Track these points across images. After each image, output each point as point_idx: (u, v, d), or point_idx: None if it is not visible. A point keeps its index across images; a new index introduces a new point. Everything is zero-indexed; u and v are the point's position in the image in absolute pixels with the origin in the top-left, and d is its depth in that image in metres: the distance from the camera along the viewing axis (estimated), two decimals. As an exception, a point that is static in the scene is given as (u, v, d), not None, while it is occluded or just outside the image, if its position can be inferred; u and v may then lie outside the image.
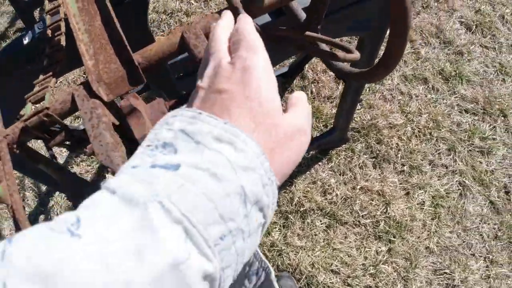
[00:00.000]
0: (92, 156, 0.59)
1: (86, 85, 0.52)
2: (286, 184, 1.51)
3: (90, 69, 0.49)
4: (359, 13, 0.93)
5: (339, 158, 1.55)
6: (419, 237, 1.45)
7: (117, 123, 0.49)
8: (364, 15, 0.95)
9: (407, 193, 1.51)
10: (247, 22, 0.35)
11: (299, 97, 0.36)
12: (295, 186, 1.51)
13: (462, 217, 1.49)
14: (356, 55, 0.55)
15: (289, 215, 1.48)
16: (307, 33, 0.59)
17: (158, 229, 0.23)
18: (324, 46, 0.62)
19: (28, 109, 0.55)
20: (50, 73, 0.65)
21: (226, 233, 0.25)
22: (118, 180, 0.26)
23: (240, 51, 0.32)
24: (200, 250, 0.24)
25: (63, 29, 0.60)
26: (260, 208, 0.28)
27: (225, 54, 0.33)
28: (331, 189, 1.51)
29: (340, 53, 0.55)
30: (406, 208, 1.48)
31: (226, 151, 0.27)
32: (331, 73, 1.70)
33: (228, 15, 0.39)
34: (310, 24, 0.59)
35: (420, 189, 1.52)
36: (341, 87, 1.66)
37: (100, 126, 0.46)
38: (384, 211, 1.48)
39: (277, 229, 1.47)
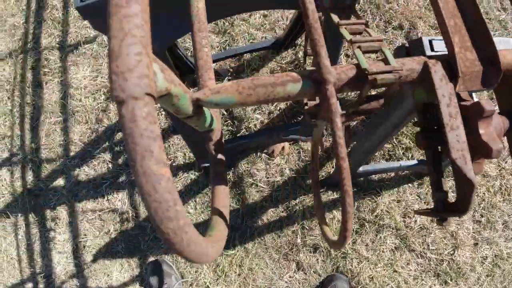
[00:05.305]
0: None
1: (446, 63, 0.46)
2: (373, 193, 1.47)
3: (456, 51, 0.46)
4: None
5: (430, 188, 1.51)
6: (470, 288, 1.48)
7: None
8: None
9: (476, 244, 1.52)
10: None
11: None
12: (381, 198, 1.46)
13: (511, 283, 1.53)
14: None
15: (366, 224, 1.45)
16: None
17: None
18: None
19: (360, 56, 0.47)
20: (364, 21, 0.55)
21: None
22: None
23: None
24: None
25: None
26: None
27: None
28: (411, 213, 1.48)
29: None
30: (470, 258, 1.49)
31: None
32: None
33: None
34: None
35: (487, 244, 1.52)
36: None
37: (458, 119, 0.43)
38: (451, 252, 1.48)
39: (350, 232, 1.44)
